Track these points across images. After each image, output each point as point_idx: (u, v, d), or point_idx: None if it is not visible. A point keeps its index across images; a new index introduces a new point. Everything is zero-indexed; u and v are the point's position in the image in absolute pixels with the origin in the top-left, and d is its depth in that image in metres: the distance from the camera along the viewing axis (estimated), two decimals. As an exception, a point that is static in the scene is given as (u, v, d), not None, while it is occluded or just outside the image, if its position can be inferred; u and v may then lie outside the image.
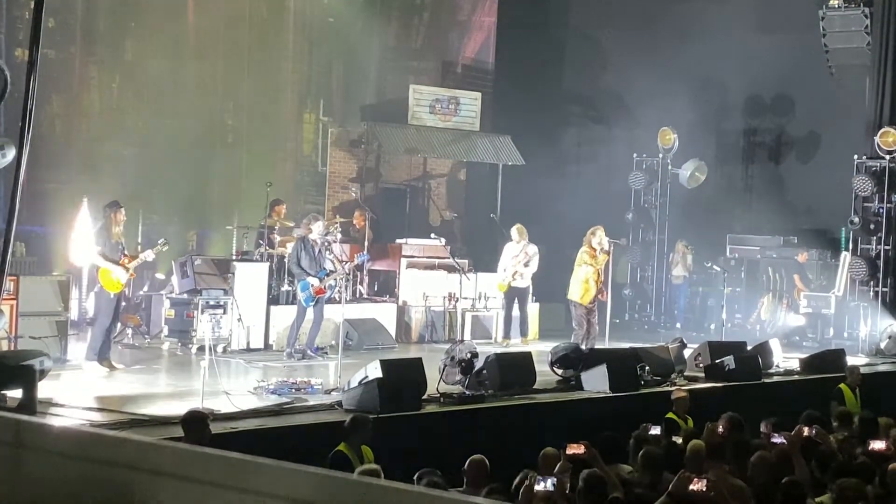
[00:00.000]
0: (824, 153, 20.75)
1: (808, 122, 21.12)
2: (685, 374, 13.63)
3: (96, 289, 13.59)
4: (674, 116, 20.14)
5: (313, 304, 14.06)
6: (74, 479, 3.56)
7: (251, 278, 14.75)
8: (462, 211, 21.35)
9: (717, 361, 13.61)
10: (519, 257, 16.62)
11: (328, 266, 14.35)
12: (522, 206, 19.05)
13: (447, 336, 16.50)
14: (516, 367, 12.12)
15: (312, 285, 14.02)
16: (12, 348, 11.35)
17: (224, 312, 14.26)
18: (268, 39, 19.51)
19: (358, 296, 16.79)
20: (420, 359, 11.63)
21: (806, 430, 8.84)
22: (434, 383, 11.20)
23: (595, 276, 15.38)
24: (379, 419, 9.42)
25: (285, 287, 15.24)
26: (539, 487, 6.45)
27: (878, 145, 18.21)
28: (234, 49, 18.91)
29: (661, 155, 20.74)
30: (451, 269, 17.00)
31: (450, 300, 16.90)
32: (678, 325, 19.98)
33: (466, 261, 17.37)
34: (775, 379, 14.30)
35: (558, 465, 7.60)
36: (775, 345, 15.09)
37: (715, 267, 18.45)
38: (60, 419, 9.09)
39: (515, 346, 15.94)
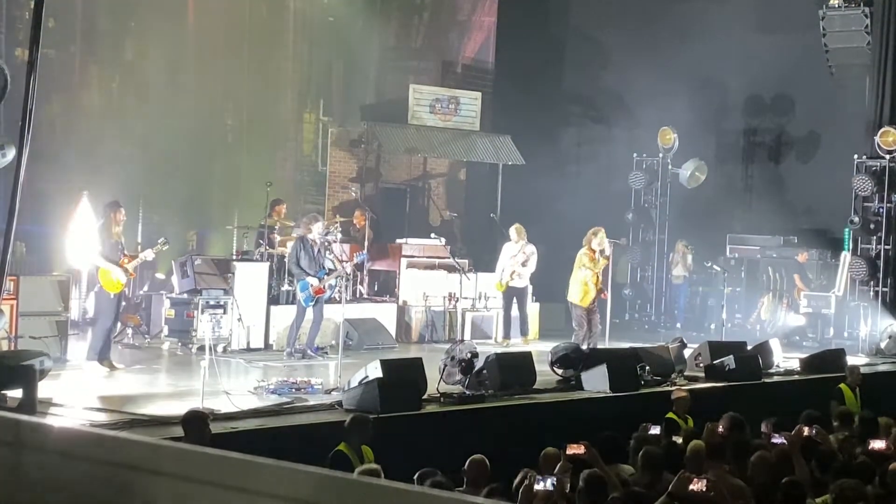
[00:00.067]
0: (824, 153, 20.74)
1: (808, 122, 21.11)
2: (685, 374, 13.63)
3: (96, 289, 13.59)
4: (674, 116, 20.14)
5: (313, 303, 14.07)
6: (74, 479, 3.56)
7: (251, 278, 14.75)
8: (462, 211, 21.35)
9: (717, 361, 13.61)
10: (517, 257, 16.62)
11: (328, 265, 14.36)
12: (522, 205, 19.05)
13: (447, 336, 16.50)
14: (516, 367, 12.12)
15: (312, 285, 14.03)
16: (12, 348, 11.35)
17: (224, 312, 14.26)
18: (268, 39, 19.50)
19: (358, 296, 16.79)
20: (420, 359, 11.63)
21: (806, 430, 8.84)
22: (434, 383, 11.21)
23: (594, 278, 15.37)
24: (379, 419, 9.42)
25: (285, 287, 15.24)
26: (539, 487, 6.45)
27: (878, 145, 18.21)
28: (234, 49, 18.90)
29: (661, 155, 20.75)
30: (451, 268, 17.00)
31: (450, 300, 16.90)
32: (678, 325, 19.98)
33: (466, 261, 17.38)
34: (775, 379, 14.30)
35: (558, 466, 7.60)
36: (775, 345, 15.09)
37: (715, 267, 18.46)
38: (60, 419, 9.09)
39: (516, 345, 15.94)
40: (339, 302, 13.71)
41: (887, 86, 18.39)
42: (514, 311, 16.77)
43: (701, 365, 13.87)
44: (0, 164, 11.89)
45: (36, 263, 14.60)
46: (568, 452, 7.61)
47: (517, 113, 20.79)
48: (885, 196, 18.19)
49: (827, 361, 14.76)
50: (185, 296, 14.50)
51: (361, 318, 15.57)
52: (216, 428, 8.57)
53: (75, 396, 10.33)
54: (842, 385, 13.12)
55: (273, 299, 15.08)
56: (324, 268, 14.23)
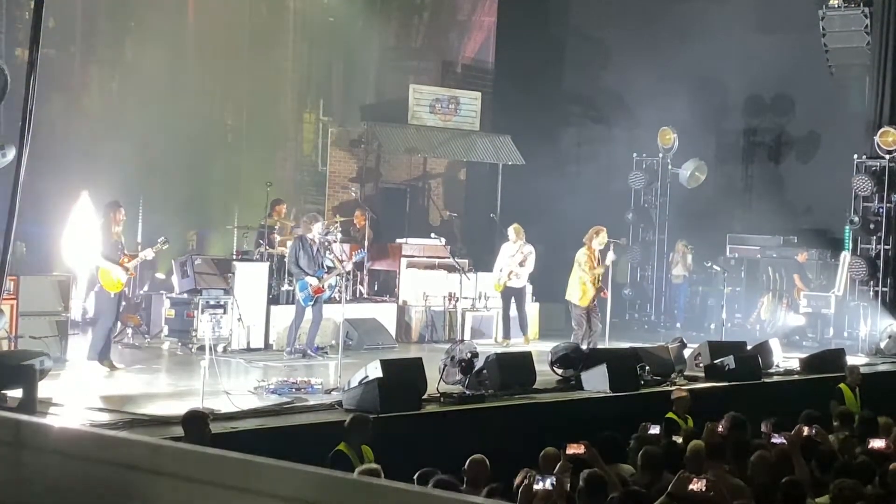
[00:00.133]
0: (824, 153, 20.74)
1: (808, 122, 21.11)
2: (685, 373, 13.63)
3: (96, 289, 13.60)
4: (674, 116, 20.13)
5: (312, 303, 14.07)
6: (74, 479, 3.56)
7: (251, 278, 14.76)
8: (462, 211, 21.35)
9: (717, 361, 13.61)
10: (515, 257, 16.62)
11: (328, 264, 14.36)
12: (522, 205, 19.05)
13: (447, 336, 16.50)
14: (516, 367, 12.13)
15: (311, 285, 14.03)
16: (12, 348, 11.35)
17: (224, 312, 14.26)
18: (268, 39, 19.49)
19: (358, 296, 16.79)
20: (420, 359, 11.63)
21: (806, 430, 8.84)
22: (434, 383, 11.21)
23: (592, 279, 15.37)
24: (379, 419, 9.42)
25: (285, 287, 15.24)
26: (538, 487, 6.45)
27: (878, 145, 18.21)
28: (234, 49, 18.89)
29: (660, 155, 20.74)
30: (451, 268, 17.00)
31: (450, 300, 16.90)
32: (678, 324, 19.98)
33: (466, 260, 17.38)
34: (775, 379, 14.30)
35: (558, 465, 7.59)
36: (775, 344, 15.09)
37: (715, 267, 18.46)
38: (60, 419, 9.09)
39: (516, 345, 15.93)
40: (339, 302, 13.71)
41: (887, 86, 18.39)
42: (513, 312, 16.77)
43: (701, 365, 13.86)
44: (0, 164, 11.89)
45: (36, 263, 14.58)
46: (568, 452, 7.61)
47: (517, 113, 20.79)
48: (884, 196, 18.18)
49: (827, 361, 14.77)
50: (185, 296, 14.50)
51: (361, 318, 15.57)
52: (216, 428, 8.58)
53: (75, 396, 10.34)
54: (842, 385, 13.12)
55: (273, 299, 15.08)
56: (323, 267, 14.24)
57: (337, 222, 16.80)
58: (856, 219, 18.23)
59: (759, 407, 11.14)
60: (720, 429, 9.06)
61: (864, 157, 18.43)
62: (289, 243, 15.12)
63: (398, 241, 17.44)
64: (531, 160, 20.28)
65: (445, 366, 11.61)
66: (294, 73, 20.24)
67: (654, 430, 9.11)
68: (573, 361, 12.88)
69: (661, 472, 7.66)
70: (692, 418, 10.64)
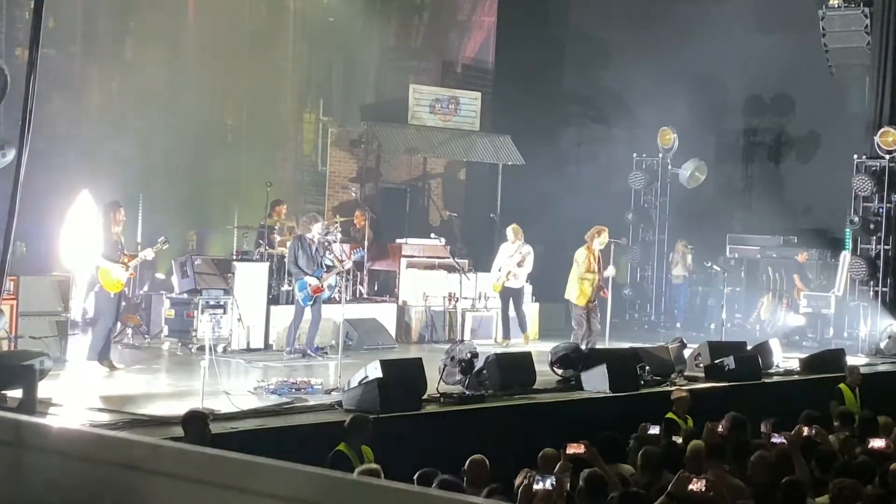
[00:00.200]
0: (824, 153, 20.75)
1: (808, 121, 21.12)
2: (685, 373, 13.63)
3: (96, 289, 13.59)
4: (674, 116, 20.14)
5: (311, 303, 14.07)
6: (74, 479, 3.56)
7: (251, 278, 14.76)
8: (462, 211, 21.35)
9: (717, 361, 13.61)
10: (514, 257, 16.62)
11: (327, 263, 14.37)
12: (522, 205, 19.05)
13: (447, 336, 16.50)
14: (516, 367, 12.13)
15: (310, 284, 14.03)
16: (12, 348, 11.34)
17: (224, 312, 14.26)
18: (268, 39, 19.48)
19: (358, 296, 16.79)
20: (420, 359, 11.63)
21: (806, 430, 8.84)
22: (434, 383, 11.21)
23: (591, 280, 15.35)
24: (379, 419, 9.42)
25: (285, 287, 15.24)
26: (538, 487, 6.45)
27: (878, 145, 18.21)
28: (234, 49, 18.88)
29: (660, 155, 20.75)
30: (451, 268, 17.00)
31: (450, 300, 16.90)
32: (678, 325, 19.98)
33: (466, 261, 17.38)
34: (775, 379, 14.31)
35: (558, 465, 7.59)
36: (775, 345, 15.09)
37: (715, 267, 18.46)
38: (60, 419, 9.09)
39: (516, 345, 15.93)
40: (339, 302, 13.71)
41: (887, 86, 18.40)
42: (512, 312, 16.77)
43: (701, 365, 13.87)
44: (0, 164, 11.89)
45: (36, 263, 14.58)
46: (568, 452, 7.61)
47: (517, 113, 20.79)
48: (884, 196, 18.19)
49: (827, 361, 14.77)
50: (185, 296, 14.50)
51: (361, 318, 15.57)
52: (216, 428, 8.58)
53: (75, 396, 10.34)
54: (841, 385, 13.12)
55: (273, 299, 15.08)
56: (322, 267, 14.24)
57: (337, 222, 16.79)
58: (856, 219, 18.23)
59: (759, 407, 11.15)
60: (720, 429, 9.06)
61: (864, 157, 18.43)
62: (289, 244, 15.12)
63: (398, 241, 17.44)
64: (531, 160, 20.28)
65: (445, 366, 11.61)
66: (294, 73, 20.23)
67: (654, 430, 9.10)
68: (573, 361, 12.88)
69: (661, 472, 7.66)
70: (692, 418, 10.64)
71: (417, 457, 8.09)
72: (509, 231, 16.80)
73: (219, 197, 17.67)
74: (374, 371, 10.56)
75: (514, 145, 20.52)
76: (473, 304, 17.08)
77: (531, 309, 17.36)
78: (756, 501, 7.19)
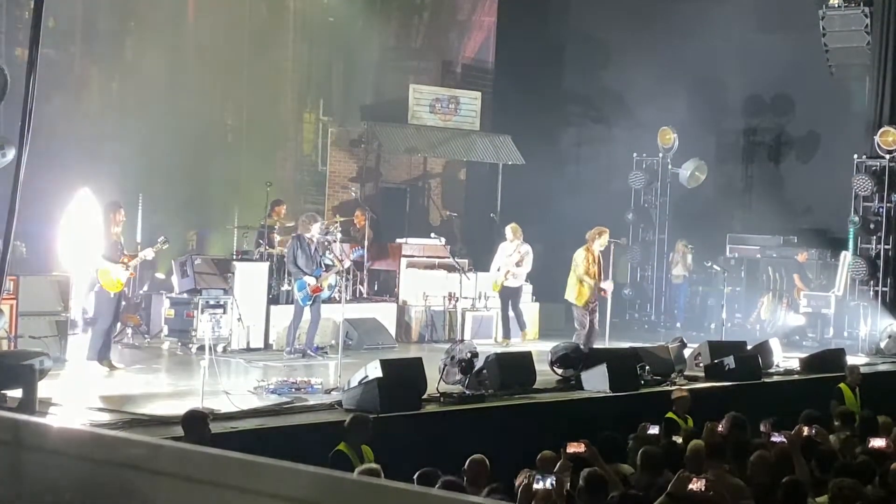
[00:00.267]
0: (824, 153, 20.76)
1: (808, 121, 21.12)
2: (685, 373, 13.63)
3: (96, 289, 13.58)
4: (674, 116, 20.15)
5: (310, 303, 14.07)
6: (74, 479, 3.56)
7: (251, 278, 14.76)
8: (462, 210, 21.35)
9: (717, 361, 13.61)
10: (513, 257, 16.62)
11: (327, 262, 14.37)
12: (522, 205, 19.06)
13: (447, 336, 16.50)
14: (516, 367, 12.12)
15: (309, 284, 14.03)
16: (12, 348, 11.34)
17: (224, 312, 14.26)
18: (268, 39, 19.48)
19: (358, 295, 16.79)
20: (420, 359, 11.62)
21: (806, 430, 8.84)
22: (434, 383, 11.21)
23: (591, 280, 15.33)
24: (379, 419, 9.42)
25: (285, 287, 15.24)
26: (538, 486, 6.45)
27: (878, 145, 18.21)
28: (234, 48, 18.89)
29: (660, 155, 20.75)
30: (450, 268, 17.00)
31: (450, 300, 16.89)
32: (678, 324, 19.99)
33: (466, 260, 17.38)
34: (775, 379, 14.31)
35: (558, 465, 7.59)
36: (775, 344, 15.09)
37: (715, 267, 18.46)
38: (60, 419, 9.09)
39: (516, 345, 15.93)
40: (339, 302, 13.71)
41: (887, 86, 18.40)
42: (512, 311, 16.76)
43: (701, 365, 13.87)
44: (0, 164, 11.88)
45: (36, 263, 14.58)
46: (568, 451, 7.61)
47: (517, 113, 20.79)
48: (884, 196, 18.19)
49: (827, 361, 14.77)
50: (185, 296, 14.50)
51: (361, 318, 15.57)
52: (216, 428, 8.57)
53: (75, 396, 10.34)
54: (842, 385, 13.12)
55: (273, 299, 15.08)
56: (321, 266, 14.24)
57: (337, 222, 16.79)
58: (856, 218, 18.24)
59: (759, 407, 11.14)
60: (720, 428, 9.06)
61: (864, 156, 18.43)
62: (288, 243, 15.12)
63: (398, 240, 17.44)
64: (531, 160, 20.28)
65: (445, 366, 11.61)
66: (294, 73, 20.23)
67: (654, 430, 9.10)
68: (573, 361, 12.88)
69: (661, 471, 7.65)
70: (692, 418, 10.64)
71: (417, 457, 8.09)
72: (508, 230, 16.80)
73: (219, 197, 17.67)
74: (374, 371, 10.55)
75: (514, 145, 20.52)
76: (473, 304, 17.08)
77: (531, 309, 17.35)
78: (756, 501, 7.20)
